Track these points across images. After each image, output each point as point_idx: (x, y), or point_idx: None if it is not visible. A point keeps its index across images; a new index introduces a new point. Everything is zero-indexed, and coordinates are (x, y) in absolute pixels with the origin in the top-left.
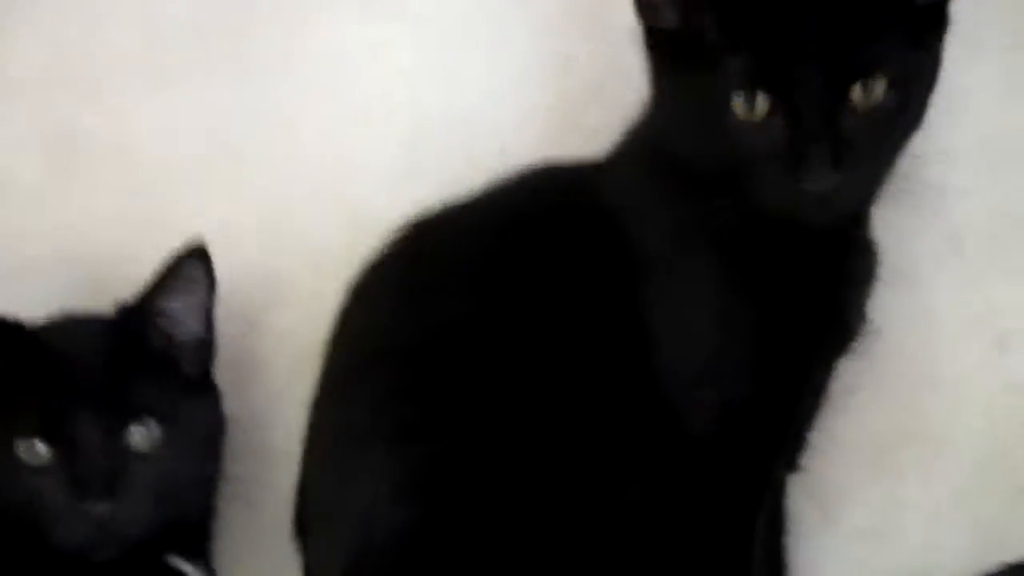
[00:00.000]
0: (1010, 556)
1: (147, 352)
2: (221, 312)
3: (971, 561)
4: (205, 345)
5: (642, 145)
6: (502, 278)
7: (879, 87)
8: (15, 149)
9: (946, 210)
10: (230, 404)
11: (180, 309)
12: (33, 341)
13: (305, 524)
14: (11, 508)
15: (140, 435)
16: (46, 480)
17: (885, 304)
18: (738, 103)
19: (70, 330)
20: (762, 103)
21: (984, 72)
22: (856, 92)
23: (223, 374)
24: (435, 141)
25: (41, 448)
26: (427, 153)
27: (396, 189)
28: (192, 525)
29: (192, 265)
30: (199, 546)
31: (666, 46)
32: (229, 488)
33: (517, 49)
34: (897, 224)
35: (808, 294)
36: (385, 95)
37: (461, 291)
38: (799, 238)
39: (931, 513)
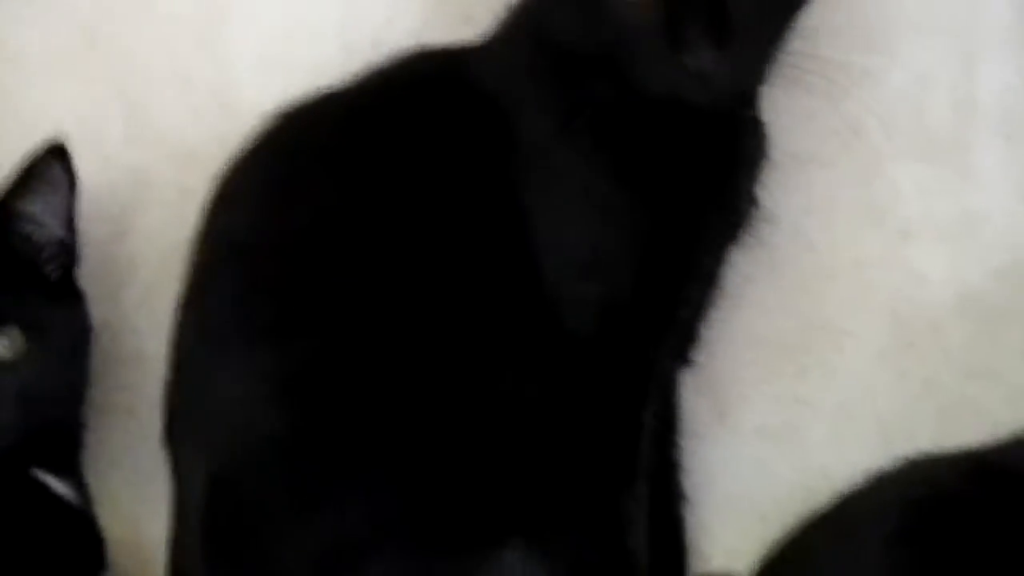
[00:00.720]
0: (915, 450)
1: (5, 257)
2: (85, 214)
3: (875, 458)
4: (67, 248)
5: (522, 27)
6: (373, 169)
7: None
8: None
9: (847, 91)
10: (99, 309)
11: (39, 211)
12: None
13: (173, 429)
14: None
15: (0, 345)
16: None
17: (783, 191)
18: None
19: None
20: None
21: None
22: None
23: (90, 279)
24: (307, 29)
25: None
26: (299, 41)
27: (267, 79)
28: (59, 437)
29: (50, 164)
30: (67, 459)
31: None
32: (100, 397)
33: None
34: (794, 106)
35: (694, 178)
36: None
37: (330, 183)
38: (683, 120)
39: (833, 409)
